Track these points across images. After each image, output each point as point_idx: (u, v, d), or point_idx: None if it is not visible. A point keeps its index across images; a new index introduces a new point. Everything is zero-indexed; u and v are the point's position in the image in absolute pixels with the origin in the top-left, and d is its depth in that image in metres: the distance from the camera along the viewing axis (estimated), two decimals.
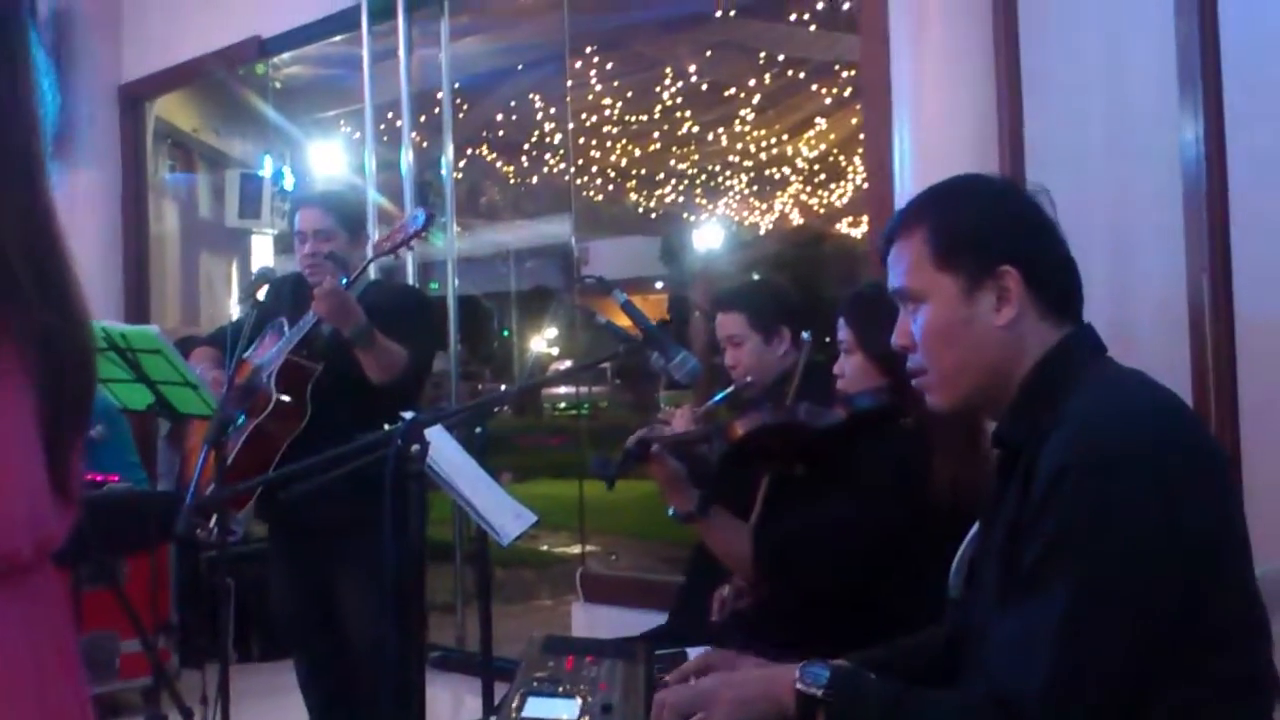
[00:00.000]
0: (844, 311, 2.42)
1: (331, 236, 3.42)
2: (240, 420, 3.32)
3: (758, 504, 2.58)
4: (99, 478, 4.79)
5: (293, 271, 3.60)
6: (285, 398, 3.31)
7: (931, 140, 3.22)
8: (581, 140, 8.85)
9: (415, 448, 2.02)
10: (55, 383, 1.04)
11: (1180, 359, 2.69)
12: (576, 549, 5.63)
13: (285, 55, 5.95)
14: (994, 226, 1.55)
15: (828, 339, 2.57)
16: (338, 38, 5.43)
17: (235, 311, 7.00)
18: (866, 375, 2.33)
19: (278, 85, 6.72)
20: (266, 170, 6.93)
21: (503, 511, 2.44)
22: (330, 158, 7.66)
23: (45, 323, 1.03)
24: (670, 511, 2.40)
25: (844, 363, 2.39)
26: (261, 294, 3.50)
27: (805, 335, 2.80)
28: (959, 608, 1.81)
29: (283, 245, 7.27)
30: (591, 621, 4.36)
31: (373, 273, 3.47)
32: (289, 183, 7.06)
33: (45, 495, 1.05)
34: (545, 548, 8.15)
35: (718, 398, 2.89)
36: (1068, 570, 1.31)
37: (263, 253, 7.50)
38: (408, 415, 2.16)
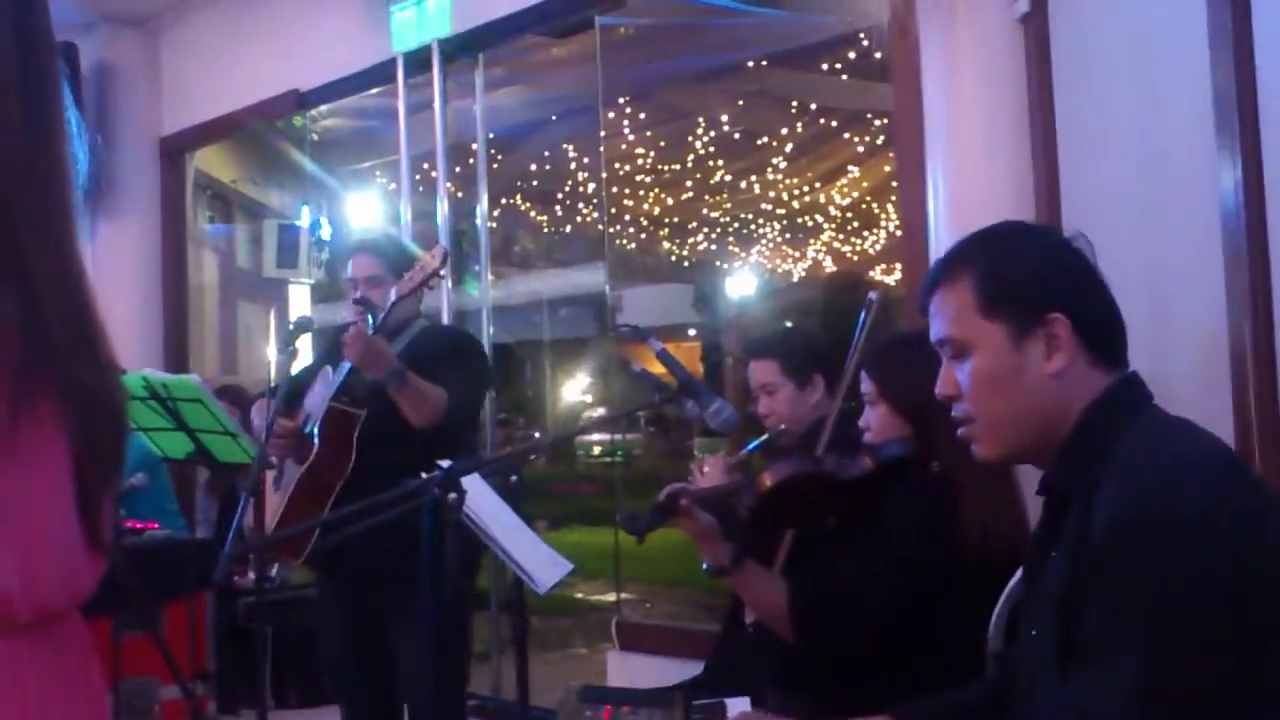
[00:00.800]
0: (865, 364, 2.42)
1: (381, 283, 3.46)
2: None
3: (781, 552, 2.57)
4: (138, 525, 4.82)
5: (347, 323, 3.62)
6: (330, 445, 3.32)
7: (966, 187, 3.22)
8: (615, 189, 8.90)
9: (452, 496, 2.03)
10: (89, 435, 1.06)
11: (1223, 405, 2.66)
12: (612, 597, 5.60)
13: (322, 108, 6.04)
14: (1041, 273, 1.55)
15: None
16: (374, 90, 5.51)
17: (272, 360, 7.05)
18: (891, 426, 2.32)
19: (315, 137, 6.82)
20: (304, 221, 7.01)
21: (539, 559, 2.44)
22: (367, 208, 7.75)
23: (81, 378, 1.04)
24: (704, 565, 2.39)
25: (869, 415, 2.38)
26: (300, 343, 3.53)
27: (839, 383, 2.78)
28: (1003, 661, 1.79)
29: (320, 294, 7.34)
30: (627, 670, 4.33)
31: (408, 304, 3.47)
32: (326, 233, 7.14)
33: (80, 550, 1.07)
34: (580, 595, 8.12)
35: (752, 446, 2.88)
36: (1135, 639, 1.29)
37: (300, 302, 7.57)
38: (444, 464, 2.17)
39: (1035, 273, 1.55)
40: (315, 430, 3.32)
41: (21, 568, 1.00)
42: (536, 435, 12.72)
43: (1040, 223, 1.64)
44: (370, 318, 3.27)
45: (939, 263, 1.64)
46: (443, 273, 3.33)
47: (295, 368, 3.55)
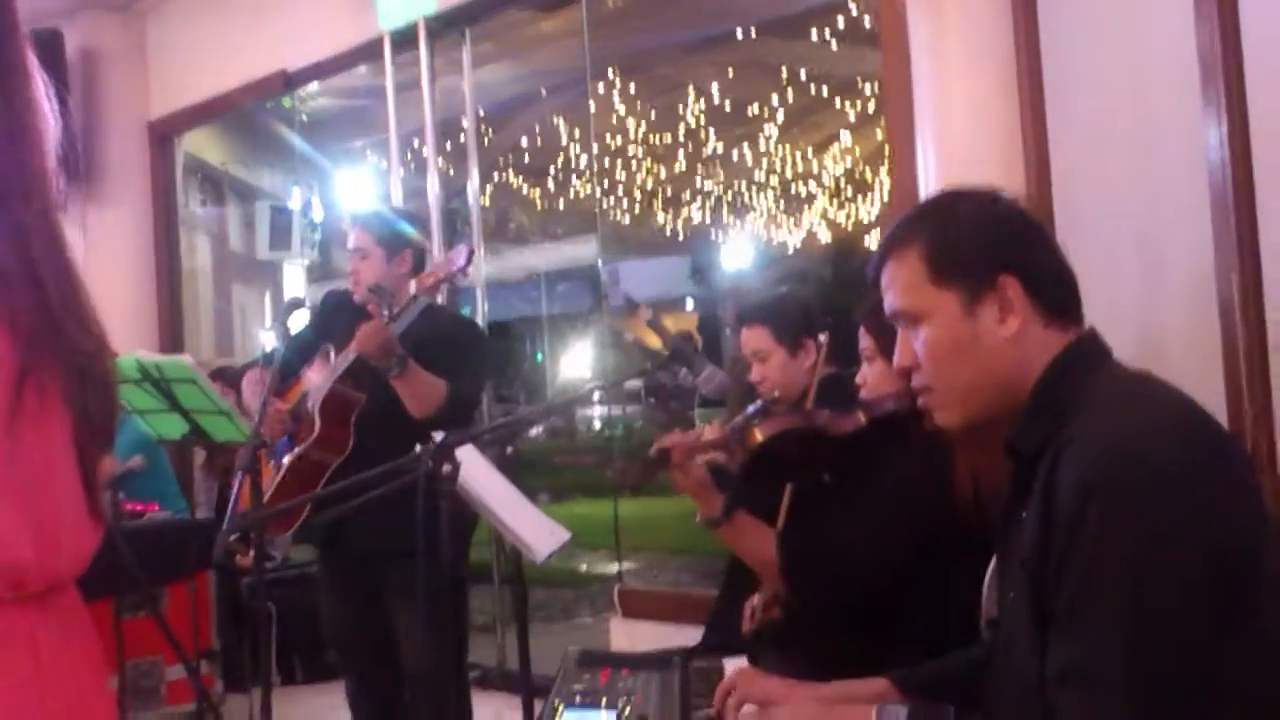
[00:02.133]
0: (863, 318, 2.42)
1: (367, 255, 3.47)
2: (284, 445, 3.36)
3: (782, 512, 2.58)
4: (139, 507, 4.84)
5: (344, 289, 3.61)
6: (329, 426, 3.33)
7: (956, 152, 3.22)
8: (607, 162, 8.89)
9: (447, 468, 2.04)
10: (86, 406, 1.09)
11: (1213, 359, 2.67)
12: (614, 567, 5.64)
13: (311, 87, 6.03)
14: (988, 237, 1.54)
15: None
16: (361, 68, 5.50)
17: (268, 342, 7.06)
18: (888, 381, 2.32)
19: (304, 117, 6.81)
20: (295, 201, 7.01)
21: (536, 529, 2.46)
22: (358, 187, 7.74)
23: (79, 348, 1.07)
24: (698, 517, 2.40)
25: (866, 371, 2.38)
26: (292, 321, 3.53)
27: (822, 338, 2.79)
28: (996, 628, 1.80)
29: (314, 275, 7.34)
30: (630, 636, 4.37)
31: (424, 299, 3.47)
32: (318, 213, 7.14)
33: (84, 518, 1.11)
34: (583, 567, 8.16)
35: (748, 412, 2.89)
36: (1113, 601, 1.30)
37: (294, 283, 7.57)
38: (438, 436, 2.18)
39: (982, 237, 1.54)
40: (315, 409, 3.33)
41: (36, 538, 1.04)
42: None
43: (983, 187, 1.62)
44: (385, 309, 3.26)
45: (886, 235, 1.64)
46: (469, 271, 3.33)
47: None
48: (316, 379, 3.42)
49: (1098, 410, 1.41)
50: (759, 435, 2.29)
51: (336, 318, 3.49)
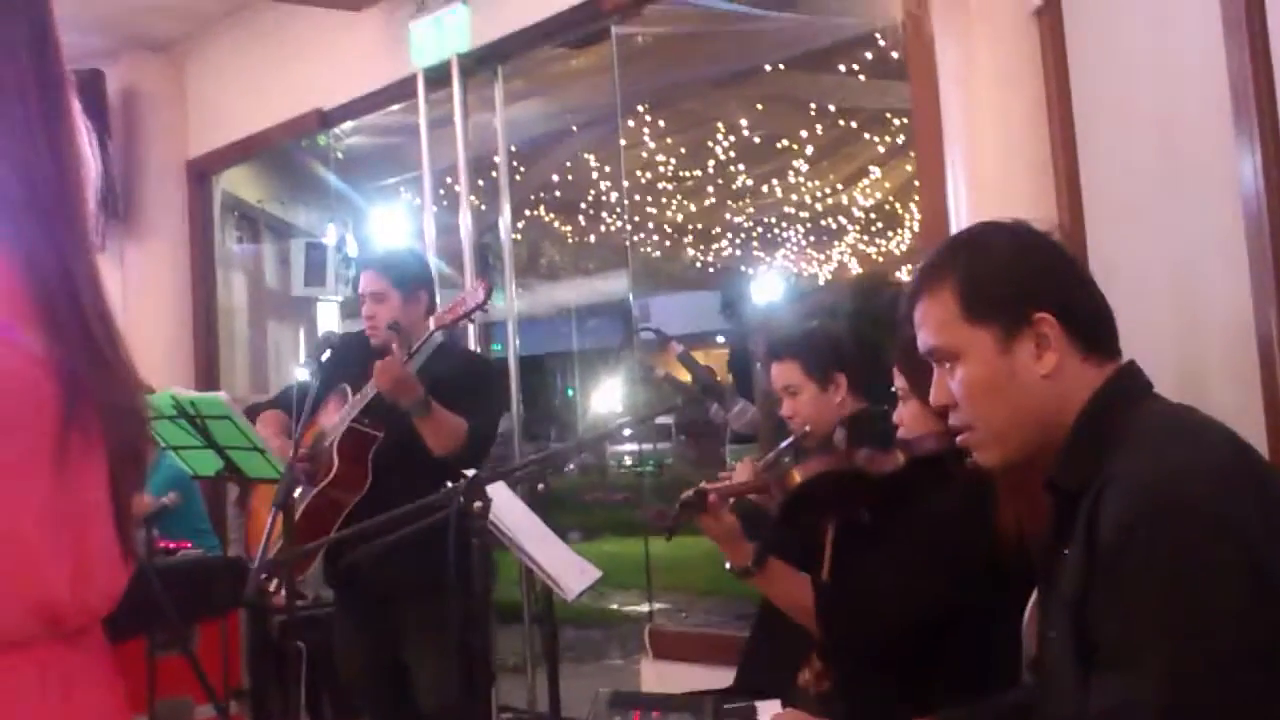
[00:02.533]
0: (896, 359, 2.40)
1: (385, 298, 3.49)
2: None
3: (826, 555, 2.55)
4: (171, 544, 4.86)
5: (356, 331, 3.66)
6: (347, 465, 3.35)
7: (987, 183, 3.21)
8: (637, 197, 8.91)
9: (478, 505, 2.04)
10: (121, 447, 1.10)
11: (1253, 392, 2.63)
12: (644, 607, 5.60)
13: (345, 125, 6.09)
14: (1022, 273, 1.53)
15: (891, 387, 2.54)
16: (396, 106, 5.55)
17: (300, 376, 7.09)
18: (924, 420, 2.30)
19: (339, 155, 6.87)
20: (330, 238, 7.06)
21: (567, 567, 2.45)
22: (392, 224, 7.79)
23: (116, 389, 1.09)
24: (728, 565, 2.38)
25: (902, 410, 2.37)
26: (326, 359, 3.55)
27: (840, 377, 2.78)
28: (1036, 666, 1.77)
29: (348, 311, 7.37)
30: (661, 678, 4.33)
31: (440, 335, 3.51)
32: (352, 250, 7.18)
33: (117, 556, 1.12)
34: (614, 607, 8.11)
35: (780, 448, 2.87)
36: (1155, 643, 1.28)
37: (328, 319, 7.61)
38: (469, 473, 2.18)
39: (1015, 273, 1.53)
40: (333, 448, 3.35)
41: (73, 576, 1.05)
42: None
43: (1015, 221, 1.60)
44: (406, 348, 3.29)
45: (918, 272, 1.62)
46: (486, 308, 3.35)
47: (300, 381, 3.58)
48: (333, 419, 3.44)
49: (1140, 446, 1.39)
50: (797, 476, 2.28)
51: (349, 359, 3.51)
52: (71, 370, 1.03)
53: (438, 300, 3.64)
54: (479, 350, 4.90)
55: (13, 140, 1.04)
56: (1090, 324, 1.51)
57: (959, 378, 1.54)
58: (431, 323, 3.35)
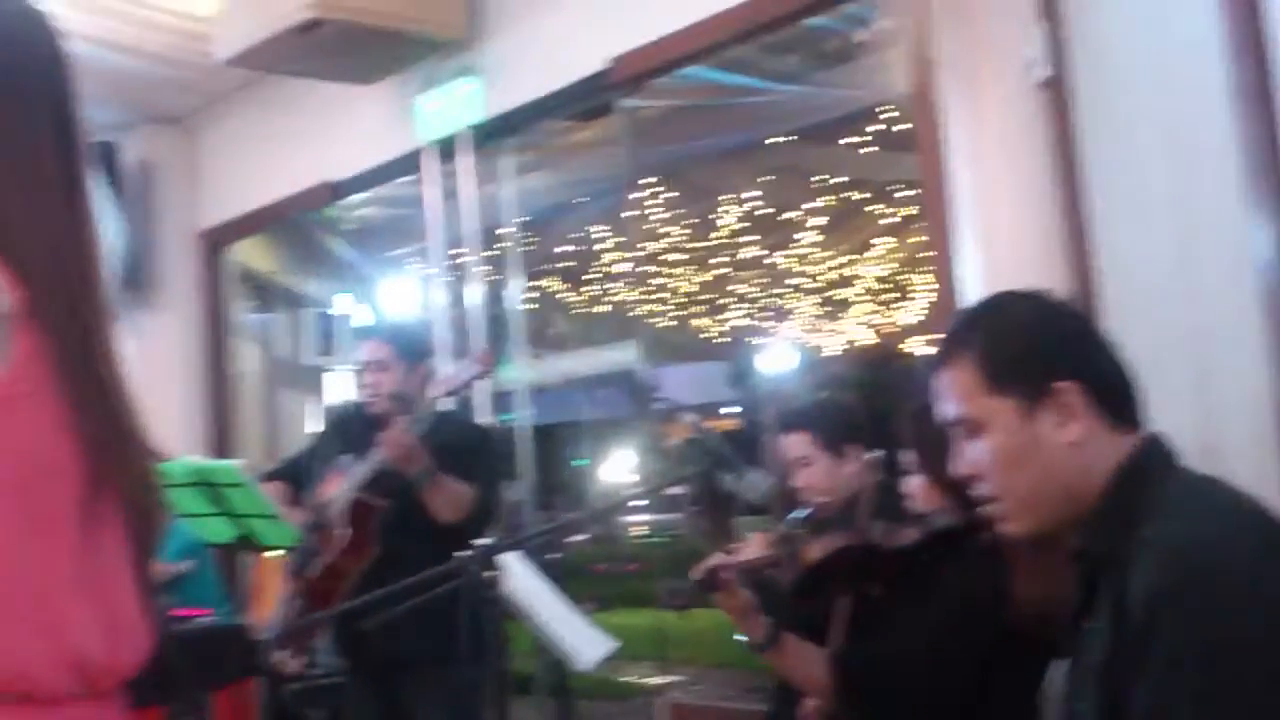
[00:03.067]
0: (904, 437, 2.40)
1: (387, 367, 3.51)
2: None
3: (838, 629, 2.52)
4: (186, 612, 4.82)
5: (353, 402, 3.66)
6: (352, 535, 3.34)
7: (997, 254, 3.21)
8: (645, 268, 8.96)
9: (489, 574, 2.03)
10: (142, 514, 1.14)
11: (1272, 463, 2.62)
12: (658, 680, 5.53)
13: (355, 197, 6.14)
14: (1042, 342, 1.53)
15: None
16: (405, 178, 5.60)
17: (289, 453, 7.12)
18: (932, 496, 2.30)
19: (350, 226, 6.92)
20: (340, 308, 7.09)
21: (581, 637, 2.42)
22: (402, 294, 7.83)
23: (138, 458, 1.13)
24: (742, 639, 2.35)
25: (912, 481, 2.36)
26: (326, 430, 3.56)
27: (874, 454, 2.76)
28: None
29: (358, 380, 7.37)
30: None
31: (442, 403, 3.52)
32: (362, 319, 7.21)
33: (141, 620, 1.15)
34: (627, 679, 8.01)
35: (791, 519, 2.85)
36: (1187, 709, 1.26)
37: (339, 388, 7.62)
38: (480, 542, 2.17)
39: (1035, 342, 1.53)
40: (338, 518, 3.35)
41: (105, 638, 1.09)
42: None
43: (1036, 290, 1.61)
44: (411, 417, 3.30)
45: (940, 343, 1.63)
46: (488, 375, 3.38)
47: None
48: (336, 489, 3.44)
49: (1171, 515, 1.37)
50: (814, 553, 2.26)
51: (348, 430, 3.53)
52: (92, 436, 1.06)
53: (436, 370, 3.66)
54: (490, 420, 4.89)
55: (38, 215, 1.07)
56: (1114, 392, 1.51)
57: (983, 448, 1.53)
58: (433, 390, 3.36)
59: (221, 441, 6.33)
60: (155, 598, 1.19)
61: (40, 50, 1.15)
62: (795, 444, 2.89)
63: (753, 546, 2.59)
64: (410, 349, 3.59)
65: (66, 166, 1.12)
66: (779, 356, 11.55)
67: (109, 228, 1.17)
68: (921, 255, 8.13)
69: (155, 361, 6.20)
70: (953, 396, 1.57)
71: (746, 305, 10.86)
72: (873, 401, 3.12)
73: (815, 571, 2.26)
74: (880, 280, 9.93)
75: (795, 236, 9.01)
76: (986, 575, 2.16)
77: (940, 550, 2.24)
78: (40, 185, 1.09)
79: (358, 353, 3.66)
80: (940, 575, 2.24)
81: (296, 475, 3.50)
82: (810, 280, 9.96)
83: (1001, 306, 1.62)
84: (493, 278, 5.71)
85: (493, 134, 5.11)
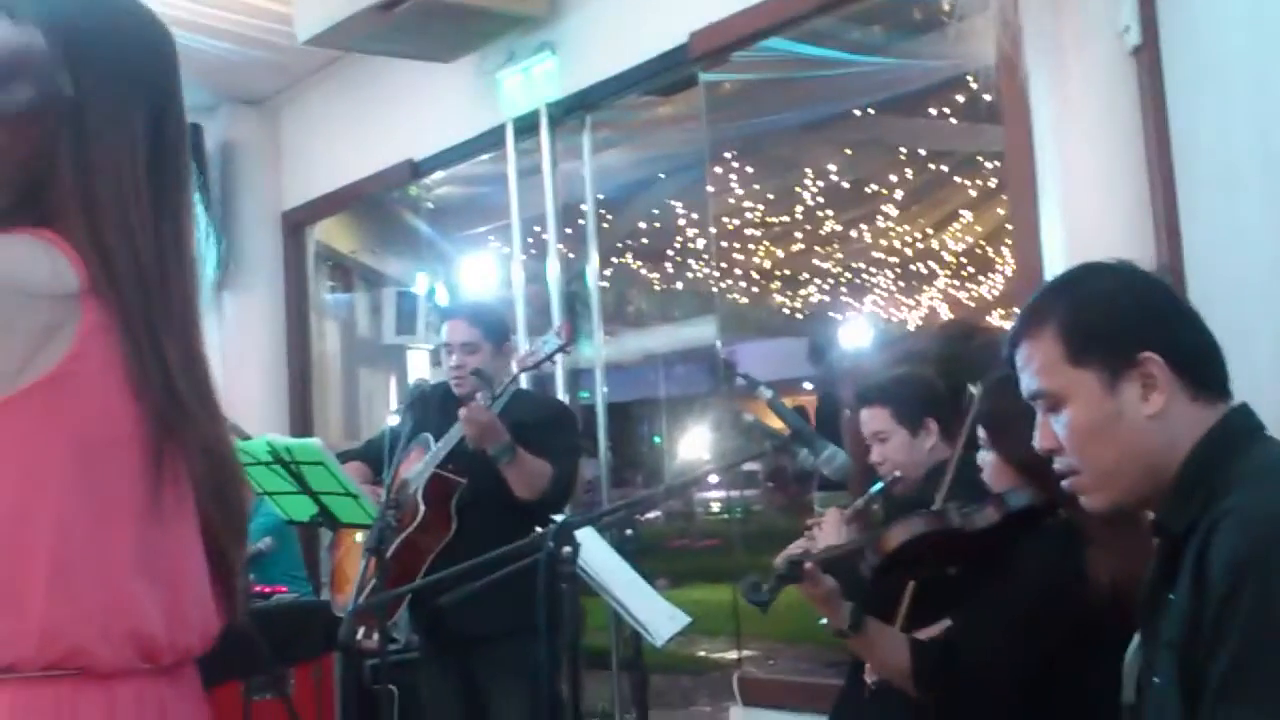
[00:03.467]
0: (977, 411, 2.37)
1: (477, 349, 3.52)
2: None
3: (904, 606, 2.51)
4: (266, 589, 4.92)
5: (440, 382, 3.70)
6: (431, 511, 3.38)
7: (1081, 228, 3.14)
8: (724, 244, 8.92)
9: (567, 550, 2.03)
10: (220, 492, 1.17)
11: None
12: (733, 654, 5.53)
13: (436, 175, 6.18)
14: (1125, 313, 1.50)
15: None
16: (485, 156, 5.62)
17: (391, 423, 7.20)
18: (1004, 474, 2.27)
19: (430, 205, 6.98)
20: (421, 287, 7.16)
21: (656, 612, 2.43)
22: (481, 272, 7.88)
23: (209, 438, 1.16)
24: (823, 622, 2.34)
25: (984, 456, 2.33)
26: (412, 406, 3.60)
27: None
28: (1135, 714, 1.72)
29: (438, 359, 7.45)
30: None
31: (523, 380, 3.53)
32: (442, 298, 7.28)
33: (211, 598, 1.18)
34: (702, 653, 8.04)
35: (868, 494, 2.83)
36: (1264, 681, 1.23)
37: (419, 367, 7.71)
38: (559, 518, 2.18)
39: (1118, 313, 1.50)
40: (418, 495, 3.38)
41: (166, 613, 1.11)
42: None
43: (1119, 261, 1.58)
44: (490, 394, 3.32)
45: (1021, 315, 1.60)
46: (568, 349, 3.38)
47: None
48: (416, 466, 3.47)
49: (1252, 485, 1.35)
50: (892, 542, 2.23)
51: (429, 408, 3.55)
52: (156, 411, 1.09)
53: (518, 349, 3.68)
54: (567, 398, 4.91)
55: (124, 215, 1.10)
56: (1198, 364, 1.48)
57: (1065, 421, 1.52)
58: (514, 366, 3.38)
59: (302, 420, 6.43)
60: (235, 575, 1.21)
61: (146, 42, 1.22)
62: (873, 419, 2.87)
63: (830, 527, 2.57)
64: (496, 330, 3.61)
65: (161, 168, 1.15)
66: (858, 332, 11.46)
67: (199, 217, 1.21)
68: (1004, 229, 7.99)
69: (238, 341, 6.32)
70: (1034, 369, 1.55)
71: (826, 280, 10.78)
72: (952, 377, 3.06)
73: (895, 557, 2.24)
74: (961, 254, 9.79)
75: (876, 210, 8.91)
76: (1064, 555, 2.14)
77: (1017, 530, 2.22)
78: (130, 178, 1.12)
79: (442, 333, 3.68)
80: (1018, 556, 2.22)
81: (377, 455, 3.54)
82: (890, 255, 9.84)
83: (1085, 278, 1.59)
84: (571, 255, 5.72)
85: (572, 110, 5.11)
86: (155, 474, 1.09)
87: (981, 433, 2.33)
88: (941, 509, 2.36)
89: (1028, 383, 1.56)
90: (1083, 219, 3.14)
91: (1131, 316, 1.50)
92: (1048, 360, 1.52)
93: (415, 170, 5.81)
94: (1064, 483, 1.57)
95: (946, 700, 2.23)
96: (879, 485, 2.82)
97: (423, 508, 3.37)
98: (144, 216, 1.12)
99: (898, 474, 2.82)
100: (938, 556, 2.32)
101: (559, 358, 3.46)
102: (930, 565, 2.39)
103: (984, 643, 2.19)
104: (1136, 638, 1.90)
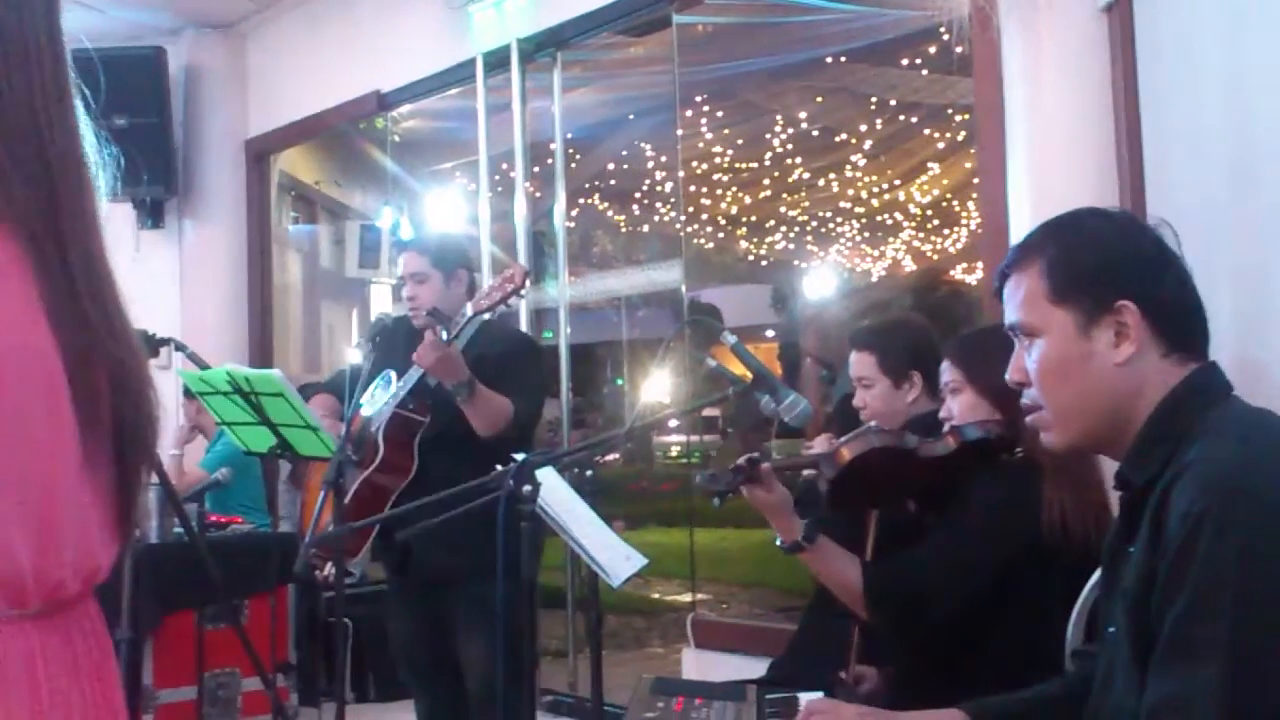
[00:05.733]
0: (949, 353, 2.41)
1: (426, 278, 3.51)
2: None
3: (869, 543, 2.54)
4: (223, 519, 4.92)
5: (403, 316, 3.68)
6: (393, 450, 3.36)
7: (1048, 183, 3.16)
8: (692, 188, 8.89)
9: (527, 488, 2.04)
10: (122, 415, 1.06)
11: None
12: (688, 597, 5.60)
13: (404, 109, 6.12)
14: (1113, 261, 1.52)
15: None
16: (454, 90, 5.57)
17: (353, 358, 7.15)
18: (977, 411, 2.30)
19: (396, 138, 6.91)
20: (385, 221, 7.10)
21: (613, 553, 2.44)
22: (446, 208, 7.82)
23: (115, 357, 1.05)
24: (778, 542, 2.36)
25: (950, 404, 2.36)
26: (375, 341, 3.58)
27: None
28: (1082, 658, 1.76)
29: (400, 294, 7.41)
30: (702, 667, 4.33)
31: (484, 316, 3.52)
32: (406, 233, 7.22)
33: (92, 529, 1.05)
34: (657, 595, 8.12)
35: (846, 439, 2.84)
36: (1218, 638, 1.26)
37: (381, 301, 7.67)
38: (519, 456, 2.18)
39: (1105, 259, 1.52)
40: (379, 433, 3.37)
41: (37, 547, 0.98)
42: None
43: (1120, 210, 1.61)
44: (444, 330, 3.30)
45: (1013, 249, 1.64)
46: (524, 292, 3.36)
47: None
48: (378, 405, 3.45)
49: (1213, 438, 1.37)
50: (847, 453, 2.26)
51: (394, 344, 3.52)
52: (61, 330, 1.00)
53: (479, 281, 3.66)
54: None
55: (18, 123, 1.02)
56: (1176, 320, 1.50)
57: (1035, 355, 1.56)
58: (469, 308, 3.36)
59: (262, 351, 6.40)
60: (136, 504, 1.10)
61: None
62: (860, 363, 2.87)
63: (819, 449, 2.59)
64: (446, 259, 3.57)
65: (53, 75, 1.06)
66: (821, 281, 11.49)
67: (91, 134, 1.13)
68: (970, 183, 8.01)
69: (198, 269, 6.26)
70: (1018, 301, 1.58)
71: (792, 228, 10.78)
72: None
73: (850, 471, 2.26)
74: (927, 207, 9.81)
75: (845, 159, 8.90)
76: (1019, 488, 2.19)
77: (973, 461, 2.25)
78: (24, 97, 1.03)
79: (398, 266, 3.66)
80: (971, 485, 2.26)
81: (341, 391, 3.51)
82: (857, 205, 9.85)
83: (1077, 220, 1.62)
84: (538, 194, 5.69)
85: (543, 46, 5.06)
86: (58, 401, 0.99)
87: (949, 375, 2.36)
88: (899, 431, 2.39)
89: (1010, 314, 1.60)
90: (1050, 175, 3.16)
91: (1116, 264, 1.52)
92: (1031, 294, 1.56)
93: (382, 102, 5.75)
94: (1028, 417, 1.61)
95: (891, 621, 2.27)
96: (857, 431, 2.85)
97: (383, 447, 3.36)
98: (44, 132, 1.04)
99: (874, 422, 2.84)
100: (896, 482, 2.35)
101: (518, 299, 3.44)
102: (889, 492, 2.42)
103: (935, 566, 2.23)
104: (1087, 587, 1.94)
